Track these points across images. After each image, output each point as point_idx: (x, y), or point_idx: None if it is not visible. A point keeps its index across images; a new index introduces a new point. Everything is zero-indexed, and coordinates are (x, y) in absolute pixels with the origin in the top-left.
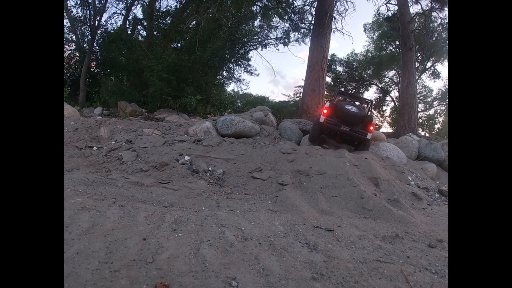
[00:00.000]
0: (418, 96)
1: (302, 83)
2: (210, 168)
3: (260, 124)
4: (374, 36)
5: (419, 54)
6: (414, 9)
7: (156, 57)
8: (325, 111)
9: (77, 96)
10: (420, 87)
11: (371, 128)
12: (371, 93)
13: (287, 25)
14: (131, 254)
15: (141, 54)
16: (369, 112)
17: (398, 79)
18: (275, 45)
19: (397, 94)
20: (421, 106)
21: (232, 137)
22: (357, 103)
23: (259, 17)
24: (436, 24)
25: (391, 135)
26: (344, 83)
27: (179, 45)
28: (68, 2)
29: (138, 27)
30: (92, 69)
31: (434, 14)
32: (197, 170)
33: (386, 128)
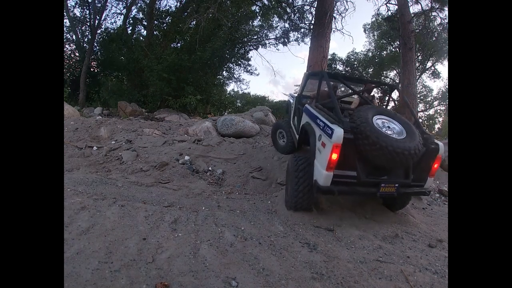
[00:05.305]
0: (418, 96)
1: None
2: (210, 168)
3: (260, 124)
4: (375, 36)
5: (419, 54)
6: (414, 9)
7: (156, 57)
8: (335, 155)
9: (77, 96)
10: (421, 86)
11: (436, 165)
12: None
13: (287, 25)
14: (131, 254)
15: (141, 54)
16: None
17: (398, 79)
18: (275, 45)
19: (397, 94)
20: (421, 106)
21: (232, 137)
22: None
23: (259, 17)
24: (436, 24)
25: None
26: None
27: (179, 45)
28: (68, 2)
29: (138, 26)
30: (92, 69)
31: (434, 14)
32: (197, 170)
33: None
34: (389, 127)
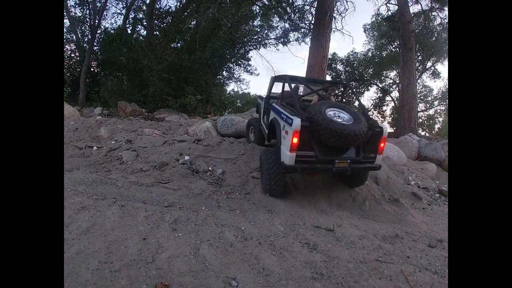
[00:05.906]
0: (418, 95)
1: None
2: (210, 168)
3: None
4: (375, 36)
5: (419, 54)
6: (414, 9)
7: (156, 57)
8: (295, 139)
9: (77, 96)
10: (421, 86)
11: (382, 145)
12: (371, 93)
13: (287, 25)
14: (131, 254)
15: (141, 54)
16: (365, 114)
17: (398, 79)
18: (275, 45)
19: (397, 94)
20: (421, 106)
21: (232, 137)
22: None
23: (259, 17)
24: (436, 24)
25: (391, 135)
26: (345, 81)
27: (179, 45)
28: (68, 2)
29: (138, 26)
30: (92, 69)
31: (434, 14)
32: (197, 170)
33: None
34: (339, 116)
